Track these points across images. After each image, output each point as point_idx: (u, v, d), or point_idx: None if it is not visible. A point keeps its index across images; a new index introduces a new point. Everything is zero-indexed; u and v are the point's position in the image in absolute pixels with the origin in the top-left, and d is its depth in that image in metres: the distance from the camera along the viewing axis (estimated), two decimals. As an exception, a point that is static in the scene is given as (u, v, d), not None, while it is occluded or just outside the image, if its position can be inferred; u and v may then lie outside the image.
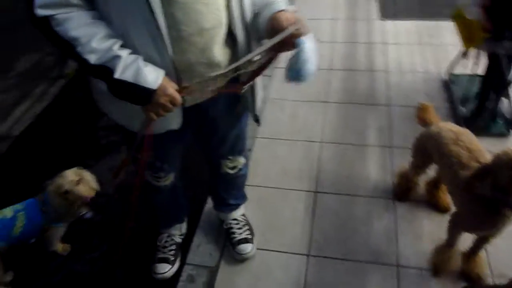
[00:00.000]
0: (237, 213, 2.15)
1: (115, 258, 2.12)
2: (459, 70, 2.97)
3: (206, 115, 1.54)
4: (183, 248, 2.14)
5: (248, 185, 2.40)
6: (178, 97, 1.24)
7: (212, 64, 1.33)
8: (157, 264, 2.04)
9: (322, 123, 2.83)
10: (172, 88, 1.23)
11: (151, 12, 1.13)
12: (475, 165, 1.67)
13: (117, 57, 1.16)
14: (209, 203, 2.29)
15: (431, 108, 2.13)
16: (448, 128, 1.89)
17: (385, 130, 2.74)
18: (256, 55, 1.30)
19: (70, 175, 2.01)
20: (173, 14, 1.18)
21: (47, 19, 1.14)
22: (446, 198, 2.17)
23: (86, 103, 1.28)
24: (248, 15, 1.36)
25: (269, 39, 1.26)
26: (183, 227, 2.16)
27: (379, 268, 2.00)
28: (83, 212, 2.24)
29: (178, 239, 2.13)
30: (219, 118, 1.61)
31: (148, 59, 1.21)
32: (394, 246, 2.08)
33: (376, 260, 2.03)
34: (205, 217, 2.29)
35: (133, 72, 1.18)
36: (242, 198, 2.16)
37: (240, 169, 1.93)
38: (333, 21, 3.94)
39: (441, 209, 2.20)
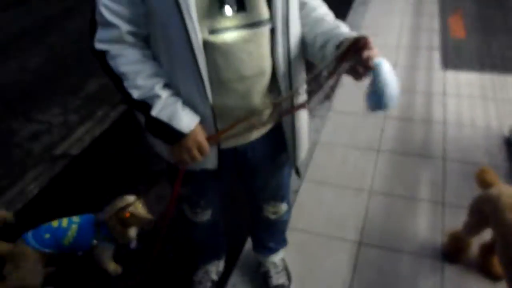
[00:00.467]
0: (276, 257, 2.11)
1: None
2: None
3: (244, 159, 1.53)
4: (219, 286, 2.13)
5: (290, 229, 2.38)
6: (206, 146, 1.31)
7: (251, 110, 1.34)
8: None
9: (373, 171, 2.77)
10: (202, 136, 1.30)
11: (194, 56, 1.19)
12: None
13: (157, 96, 1.25)
14: (249, 243, 2.27)
15: (492, 171, 2.03)
16: (509, 193, 1.79)
17: (438, 185, 2.63)
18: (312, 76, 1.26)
19: (132, 199, 2.10)
20: (215, 60, 1.22)
21: (103, 53, 1.24)
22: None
23: (142, 130, 1.35)
24: (297, 61, 1.36)
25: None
26: (220, 264, 2.16)
27: (421, 333, 1.89)
28: (131, 240, 2.27)
29: (214, 276, 2.12)
30: (259, 165, 1.60)
31: (189, 99, 1.28)
32: (439, 311, 1.97)
33: (417, 324, 1.92)
34: (243, 257, 2.26)
35: (169, 113, 1.25)
36: (283, 242, 2.12)
37: (282, 215, 1.90)
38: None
39: (493, 277, 2.06)
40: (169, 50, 1.24)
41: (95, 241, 2.09)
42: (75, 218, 2.11)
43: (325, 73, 1.24)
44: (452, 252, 2.17)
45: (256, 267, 2.17)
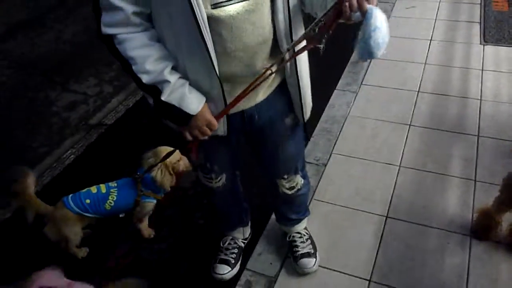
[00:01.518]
0: (300, 227, 2.13)
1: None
2: None
3: (252, 121, 1.56)
4: (245, 253, 2.18)
5: (317, 200, 2.41)
6: (214, 122, 1.40)
7: (256, 76, 1.37)
8: (218, 265, 2.09)
9: (403, 146, 2.73)
10: (209, 114, 1.39)
11: (200, 31, 1.21)
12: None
13: (167, 81, 1.30)
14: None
15: None
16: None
17: (471, 161, 2.58)
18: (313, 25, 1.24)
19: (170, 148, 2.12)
20: (220, 33, 1.26)
21: (111, 37, 1.27)
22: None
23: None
24: (297, 22, 1.37)
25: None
26: (246, 231, 2.20)
27: (444, 307, 1.90)
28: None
29: (241, 243, 2.17)
30: (266, 128, 1.61)
31: (196, 73, 1.33)
32: (464, 286, 1.95)
33: (442, 298, 1.92)
34: (270, 226, 2.30)
35: (178, 96, 1.32)
36: (305, 212, 2.12)
37: (299, 189, 1.89)
38: (429, 41, 3.78)
39: (523, 255, 2.03)
40: (173, 26, 1.26)
41: (138, 199, 2.13)
42: (112, 183, 2.16)
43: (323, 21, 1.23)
44: (481, 228, 2.14)
45: (282, 236, 2.20)
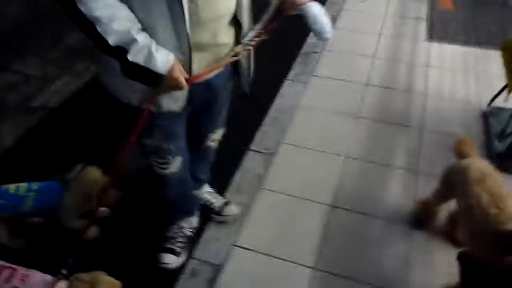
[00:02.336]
0: (206, 187, 2.29)
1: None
2: (500, 103, 2.87)
3: (211, 89, 1.64)
4: (192, 242, 2.16)
5: (265, 189, 2.42)
6: (183, 82, 1.36)
7: (219, 45, 1.47)
8: (164, 254, 2.05)
9: (350, 137, 2.79)
10: (179, 72, 1.34)
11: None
12: (493, 211, 1.62)
13: (134, 40, 1.25)
14: (224, 201, 2.30)
15: (471, 142, 2.06)
16: (477, 166, 1.83)
17: (413, 154, 2.67)
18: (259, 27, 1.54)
19: (95, 177, 2.00)
20: (195, 1, 1.30)
21: None
22: (465, 233, 2.11)
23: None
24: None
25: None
26: (194, 220, 2.18)
27: (385, 293, 1.96)
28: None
29: (188, 232, 2.14)
30: (219, 95, 1.75)
31: (166, 41, 1.31)
32: (405, 274, 2.03)
33: (383, 285, 1.98)
34: (218, 215, 2.29)
35: (145, 56, 1.27)
36: (209, 172, 2.25)
37: (217, 141, 2.05)
38: (378, 36, 3.88)
39: (459, 244, 2.12)
40: None
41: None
42: (34, 185, 1.99)
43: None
44: (420, 218, 2.23)
45: (230, 225, 2.21)
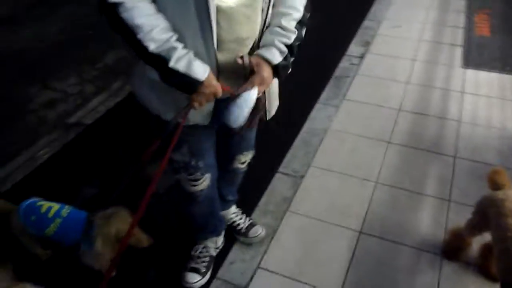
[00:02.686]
0: (234, 207, 2.31)
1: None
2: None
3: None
4: (217, 262, 2.15)
5: (292, 212, 2.40)
6: (220, 89, 1.40)
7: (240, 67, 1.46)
8: (188, 273, 2.06)
9: (381, 163, 2.75)
10: (215, 81, 1.39)
11: (209, 18, 1.28)
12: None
13: (174, 48, 1.30)
14: (250, 222, 2.29)
15: (506, 172, 2.00)
16: (513, 198, 1.77)
17: (446, 182, 2.60)
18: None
19: (122, 222, 1.91)
20: (219, 22, 1.32)
21: (116, 5, 1.26)
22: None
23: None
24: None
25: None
26: (219, 240, 2.18)
27: (412, 325, 1.90)
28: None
29: (213, 252, 2.15)
30: None
31: (197, 56, 1.35)
32: (433, 306, 1.96)
33: (410, 316, 1.92)
34: (243, 236, 2.28)
35: (186, 63, 1.32)
36: (236, 194, 2.27)
37: (248, 163, 2.04)
38: (412, 61, 3.84)
39: (491, 278, 2.04)
40: (181, 10, 1.29)
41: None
42: (64, 211, 1.97)
43: None
44: (452, 249, 2.16)
45: (255, 245, 2.20)
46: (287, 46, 1.46)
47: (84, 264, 2.02)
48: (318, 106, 3.28)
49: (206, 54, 1.36)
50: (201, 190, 1.83)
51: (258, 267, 2.13)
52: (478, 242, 2.10)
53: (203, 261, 2.10)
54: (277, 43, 1.45)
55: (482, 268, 2.08)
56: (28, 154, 2.91)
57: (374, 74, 3.64)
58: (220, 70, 1.43)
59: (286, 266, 2.13)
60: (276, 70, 1.46)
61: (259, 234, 2.23)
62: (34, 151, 2.94)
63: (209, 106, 1.51)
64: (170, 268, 2.15)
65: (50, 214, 1.96)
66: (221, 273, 2.11)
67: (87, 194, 2.56)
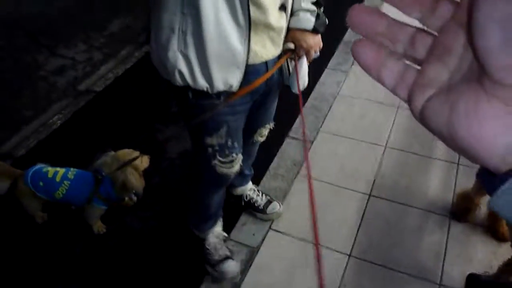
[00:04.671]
0: (250, 184, 2.28)
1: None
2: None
3: (267, 81, 1.58)
4: (230, 223, 2.20)
5: (302, 176, 2.44)
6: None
7: (270, 27, 1.43)
8: (222, 264, 1.99)
9: (390, 127, 2.76)
10: None
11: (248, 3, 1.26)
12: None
13: None
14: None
15: None
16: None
17: (455, 145, 2.62)
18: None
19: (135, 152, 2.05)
20: (260, 2, 1.31)
21: None
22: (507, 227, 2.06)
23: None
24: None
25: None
26: (220, 224, 2.15)
27: (420, 283, 1.95)
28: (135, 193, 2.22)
29: (223, 233, 2.13)
30: (274, 85, 1.69)
31: (231, 5, 1.30)
32: (440, 265, 2.01)
33: (418, 274, 1.98)
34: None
35: None
36: (252, 169, 2.24)
37: (266, 136, 1.98)
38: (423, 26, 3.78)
39: (499, 238, 2.09)
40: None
41: (90, 199, 2.05)
42: (71, 173, 2.05)
43: None
44: (460, 210, 2.19)
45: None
46: (313, 2, 1.47)
47: (89, 221, 2.17)
48: (327, 71, 3.27)
49: (241, 10, 1.30)
50: (235, 172, 1.74)
51: (270, 228, 2.18)
52: (486, 203, 2.13)
53: (224, 251, 2.04)
54: (304, 5, 1.46)
55: (490, 228, 2.12)
56: (41, 121, 2.94)
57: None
58: (253, 27, 1.36)
59: (297, 227, 2.18)
60: (314, 30, 1.49)
61: (277, 210, 2.22)
62: (46, 118, 2.97)
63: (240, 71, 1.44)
64: (187, 229, 2.16)
65: (58, 178, 2.03)
66: (233, 234, 2.17)
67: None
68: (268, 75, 1.49)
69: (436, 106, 0.30)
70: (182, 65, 1.36)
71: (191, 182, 1.96)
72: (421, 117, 0.32)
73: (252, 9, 1.31)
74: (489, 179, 0.29)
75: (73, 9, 4.26)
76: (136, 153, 2.04)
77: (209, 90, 1.41)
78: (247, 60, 1.38)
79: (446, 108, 0.29)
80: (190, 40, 1.32)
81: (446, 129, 0.29)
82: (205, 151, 1.60)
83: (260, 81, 1.47)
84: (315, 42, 1.55)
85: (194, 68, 1.36)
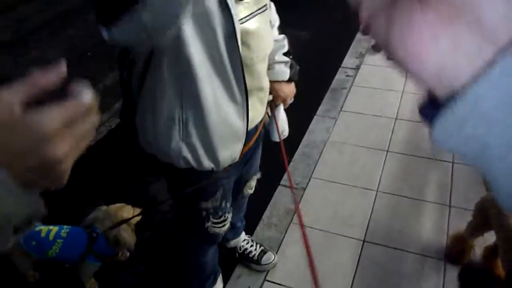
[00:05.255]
0: (243, 235, 2.27)
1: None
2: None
3: (257, 138, 1.63)
4: (224, 275, 2.17)
5: (295, 224, 2.43)
6: None
7: (262, 89, 1.46)
8: None
9: (381, 172, 2.79)
10: None
11: (236, 42, 1.20)
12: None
13: None
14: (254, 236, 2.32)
15: None
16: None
17: (445, 187, 2.64)
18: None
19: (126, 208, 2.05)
20: (249, 43, 1.29)
21: None
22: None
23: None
24: None
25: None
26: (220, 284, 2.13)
27: (419, 331, 1.92)
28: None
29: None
30: (260, 137, 1.71)
31: (226, 87, 1.28)
32: (439, 311, 1.99)
33: (417, 322, 1.95)
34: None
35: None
36: (243, 220, 2.22)
37: (255, 188, 1.96)
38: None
39: (498, 277, 2.07)
40: (207, 42, 1.18)
41: (83, 256, 2.02)
42: (64, 231, 2.04)
43: None
44: (454, 253, 2.19)
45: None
46: (285, 53, 1.54)
47: (83, 278, 2.12)
48: (316, 118, 3.33)
49: (236, 81, 1.27)
50: (226, 230, 1.73)
51: (265, 280, 2.16)
52: (480, 245, 2.13)
53: None
54: (277, 58, 1.52)
55: (486, 269, 2.11)
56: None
57: (369, 84, 3.70)
58: (248, 95, 1.34)
59: (292, 277, 2.16)
60: (290, 80, 1.59)
61: (272, 261, 2.20)
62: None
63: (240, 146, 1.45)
64: (179, 283, 2.15)
65: (51, 237, 2.01)
66: (228, 287, 2.13)
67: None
68: (257, 133, 1.54)
69: (378, 20, 0.30)
70: (186, 153, 1.35)
71: (184, 245, 1.94)
72: (368, 32, 0.32)
73: (248, 79, 1.31)
74: (427, 111, 0.29)
75: (66, 62, 4.35)
76: (128, 207, 2.04)
77: (215, 169, 1.41)
78: (246, 130, 1.40)
79: (386, 21, 0.29)
80: (192, 130, 1.30)
81: (386, 43, 0.30)
82: (199, 215, 1.59)
83: (253, 141, 1.51)
84: (290, 90, 1.64)
85: (199, 153, 1.35)
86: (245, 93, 1.31)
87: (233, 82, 1.27)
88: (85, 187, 2.81)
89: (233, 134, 1.37)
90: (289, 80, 1.60)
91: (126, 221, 1.95)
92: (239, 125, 1.37)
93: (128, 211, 2.02)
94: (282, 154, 1.54)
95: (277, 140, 1.65)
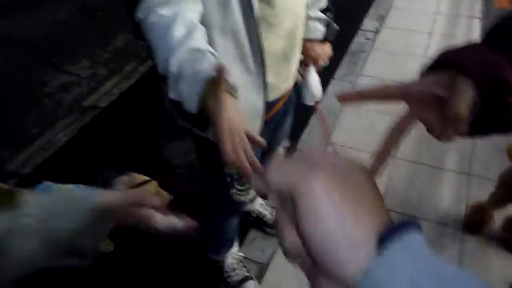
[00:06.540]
0: (259, 199, 2.22)
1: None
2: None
3: (285, 103, 1.54)
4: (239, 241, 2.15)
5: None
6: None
7: (294, 55, 1.36)
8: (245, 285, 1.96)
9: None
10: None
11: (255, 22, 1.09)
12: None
13: None
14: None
15: None
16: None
17: (466, 156, 2.57)
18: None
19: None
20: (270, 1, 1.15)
21: None
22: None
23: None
24: None
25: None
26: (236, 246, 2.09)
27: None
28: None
29: (240, 253, 2.07)
30: (291, 104, 1.65)
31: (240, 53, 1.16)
32: (456, 280, 1.95)
33: (433, 290, 1.91)
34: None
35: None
36: None
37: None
38: (429, 35, 3.76)
39: (515, 250, 2.03)
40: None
41: None
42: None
43: None
44: (474, 223, 2.14)
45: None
46: (322, 10, 1.42)
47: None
48: (334, 82, 3.24)
49: (250, 46, 1.13)
50: (249, 199, 1.68)
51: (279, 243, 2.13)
52: (500, 215, 2.08)
53: (242, 273, 1.99)
54: (312, 13, 1.39)
55: (505, 241, 2.06)
56: (47, 137, 2.93)
57: (389, 49, 3.58)
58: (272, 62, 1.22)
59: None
60: (324, 39, 1.46)
61: None
62: (52, 135, 2.96)
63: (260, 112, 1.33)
64: (195, 244, 2.13)
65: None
66: (242, 250, 2.11)
67: (106, 176, 2.57)
68: (286, 97, 1.46)
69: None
70: None
71: (207, 210, 1.87)
72: None
73: (275, 41, 1.20)
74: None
75: (77, 25, 4.28)
76: (154, 183, 1.98)
77: None
78: (265, 104, 1.26)
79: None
80: None
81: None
82: (223, 180, 1.52)
83: (280, 103, 1.44)
84: (324, 50, 1.50)
85: None
86: (261, 61, 1.15)
87: (247, 47, 1.12)
88: (99, 148, 2.80)
89: (249, 111, 1.16)
90: (324, 40, 1.48)
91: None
92: (254, 100, 1.21)
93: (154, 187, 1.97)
94: (318, 117, 1.45)
95: (308, 103, 1.56)
